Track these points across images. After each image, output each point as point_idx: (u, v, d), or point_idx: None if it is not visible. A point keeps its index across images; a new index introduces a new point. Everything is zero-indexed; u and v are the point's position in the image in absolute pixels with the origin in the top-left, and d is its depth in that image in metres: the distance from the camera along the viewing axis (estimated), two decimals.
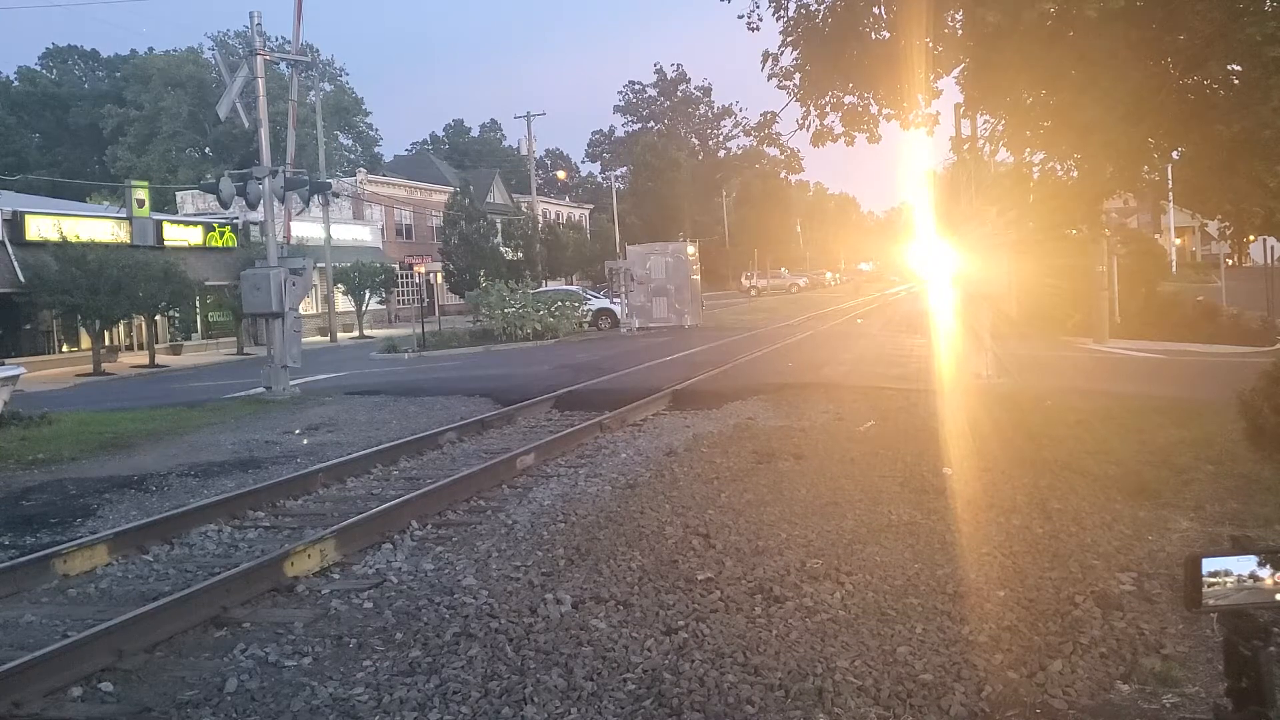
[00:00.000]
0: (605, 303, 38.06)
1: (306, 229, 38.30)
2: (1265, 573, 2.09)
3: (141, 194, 35.78)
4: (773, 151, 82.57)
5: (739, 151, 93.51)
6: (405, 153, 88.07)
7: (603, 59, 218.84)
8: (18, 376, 15.45)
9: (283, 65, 22.35)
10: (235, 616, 5.69)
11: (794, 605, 5.21)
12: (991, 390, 13.63)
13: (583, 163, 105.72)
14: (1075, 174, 10.35)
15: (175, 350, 35.09)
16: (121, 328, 33.58)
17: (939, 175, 24.96)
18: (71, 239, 30.23)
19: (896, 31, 10.31)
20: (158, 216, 37.39)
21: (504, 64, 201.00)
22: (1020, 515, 6.78)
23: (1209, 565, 2.09)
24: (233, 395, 18.05)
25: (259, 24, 18.54)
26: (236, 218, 38.00)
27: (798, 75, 11.09)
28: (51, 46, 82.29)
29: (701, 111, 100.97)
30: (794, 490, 7.90)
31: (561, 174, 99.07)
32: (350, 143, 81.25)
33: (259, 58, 18.15)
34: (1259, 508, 6.72)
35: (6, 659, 4.89)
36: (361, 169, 63.17)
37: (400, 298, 53.60)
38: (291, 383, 17.64)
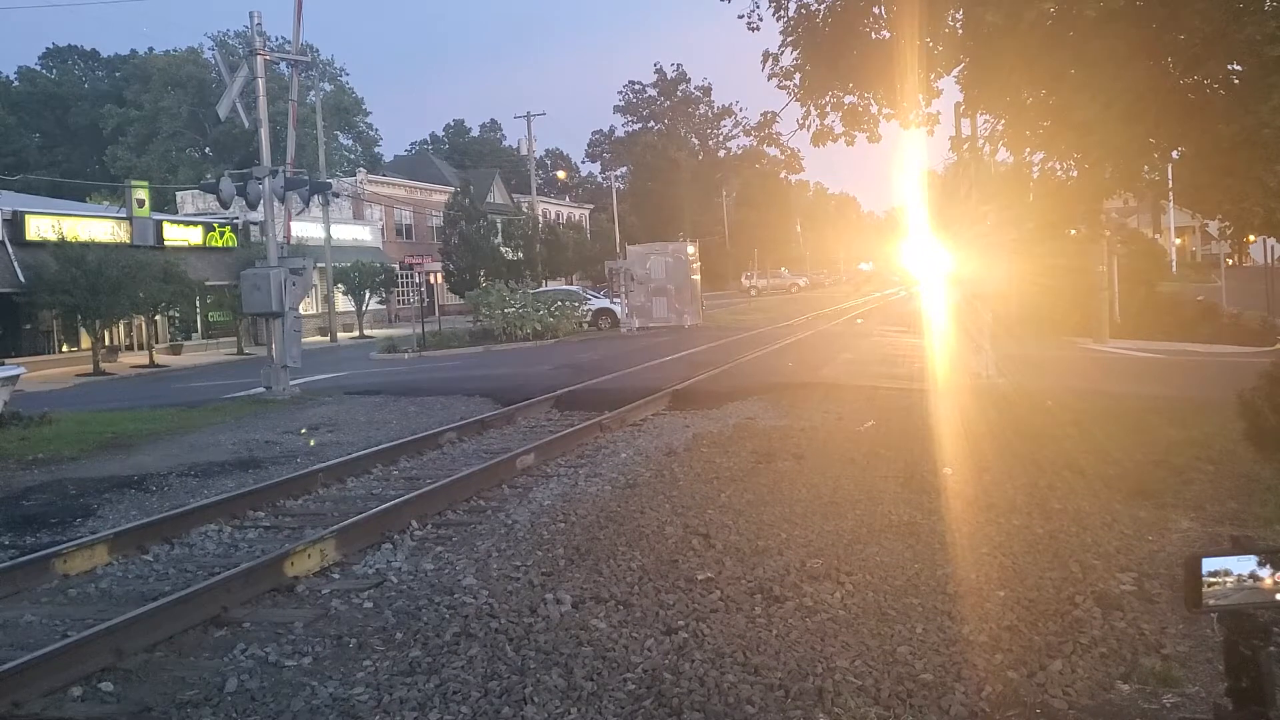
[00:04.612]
0: (605, 303, 38.02)
1: (306, 229, 38.30)
2: (1265, 573, 2.09)
3: (141, 194, 35.81)
4: (773, 151, 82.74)
5: (739, 151, 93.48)
6: (405, 153, 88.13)
7: (603, 59, 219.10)
8: (18, 376, 15.46)
9: (283, 65, 22.38)
10: (235, 616, 5.69)
11: (794, 605, 5.21)
12: (991, 390, 13.61)
13: (583, 163, 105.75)
14: (1075, 174, 10.35)
15: (175, 350, 35.09)
16: (121, 328, 33.61)
17: (939, 175, 24.97)
18: (71, 239, 30.27)
19: (896, 31, 10.32)
20: (158, 216, 37.42)
21: (504, 64, 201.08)
22: (1020, 515, 6.77)
23: (1209, 565, 2.09)
24: (233, 395, 18.05)
25: (259, 24, 18.54)
26: (236, 218, 38.04)
27: (798, 75, 11.12)
28: (51, 46, 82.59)
29: (701, 111, 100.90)
30: (794, 490, 7.90)
31: (561, 174, 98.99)
32: (350, 143, 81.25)
33: (259, 58, 18.14)
34: (1259, 508, 6.72)
35: (6, 659, 4.89)
36: (361, 169, 63.18)
37: (400, 298, 53.61)
38: (291, 382, 17.64)
